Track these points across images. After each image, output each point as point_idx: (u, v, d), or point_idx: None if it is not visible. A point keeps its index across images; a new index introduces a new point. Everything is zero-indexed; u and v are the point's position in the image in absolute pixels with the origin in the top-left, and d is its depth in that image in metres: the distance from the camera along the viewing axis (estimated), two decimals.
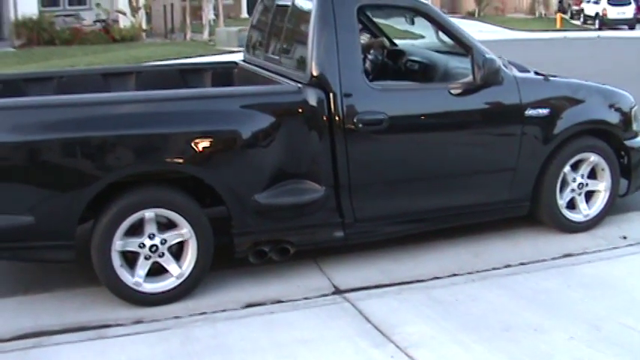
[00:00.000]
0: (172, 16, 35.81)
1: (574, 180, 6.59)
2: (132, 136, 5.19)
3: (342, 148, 5.65)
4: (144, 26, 33.31)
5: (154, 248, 5.27)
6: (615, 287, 5.53)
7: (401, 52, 7.42)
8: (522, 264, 6.00)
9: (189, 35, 34.09)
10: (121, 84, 6.95)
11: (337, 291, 5.56)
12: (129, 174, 5.22)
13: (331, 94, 5.62)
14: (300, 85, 5.69)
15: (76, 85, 6.71)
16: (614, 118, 6.73)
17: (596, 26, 41.52)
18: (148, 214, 5.21)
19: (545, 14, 50.00)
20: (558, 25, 42.32)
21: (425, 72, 6.82)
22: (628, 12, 40.86)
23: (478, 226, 6.56)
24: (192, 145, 5.25)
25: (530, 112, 6.21)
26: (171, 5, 35.85)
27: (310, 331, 4.92)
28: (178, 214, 5.28)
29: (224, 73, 7.44)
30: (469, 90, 6.01)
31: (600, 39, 33.82)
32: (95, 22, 32.32)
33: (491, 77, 5.96)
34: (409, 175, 5.99)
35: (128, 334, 4.93)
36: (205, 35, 33.96)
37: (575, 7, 48.00)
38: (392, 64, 7.28)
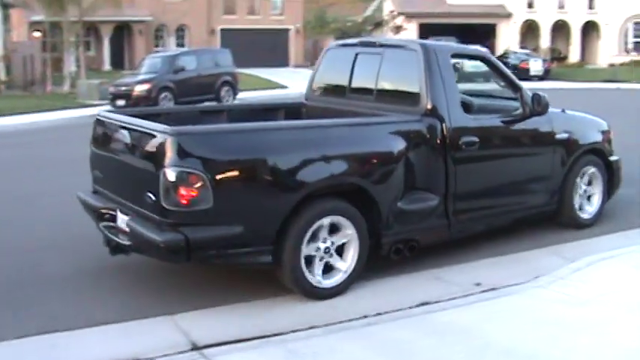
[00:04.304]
0: (32, 67, 34.95)
1: (585, 184, 8.72)
2: (323, 157, 6.34)
3: (451, 164, 7.19)
4: (3, 78, 32.43)
5: (327, 250, 6.38)
6: (469, 332, 5.63)
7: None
8: (379, 314, 6.06)
9: (49, 87, 33.39)
10: (214, 118, 8.21)
11: (195, 347, 5.46)
12: (319, 187, 6.29)
13: (443, 123, 7.09)
14: (418, 115, 7.08)
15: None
16: (602, 139, 8.95)
17: None
18: (326, 220, 6.31)
19: None
20: None
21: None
22: None
23: None
24: (363, 163, 6.64)
25: (558, 136, 8.25)
26: (31, 56, 35.00)
27: None
28: (349, 220, 6.43)
29: (294, 111, 8.77)
30: (520, 119, 7.94)
31: None
32: None
33: (544, 109, 7.91)
34: (491, 183, 7.73)
35: None
36: (66, 87, 33.35)
37: None
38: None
